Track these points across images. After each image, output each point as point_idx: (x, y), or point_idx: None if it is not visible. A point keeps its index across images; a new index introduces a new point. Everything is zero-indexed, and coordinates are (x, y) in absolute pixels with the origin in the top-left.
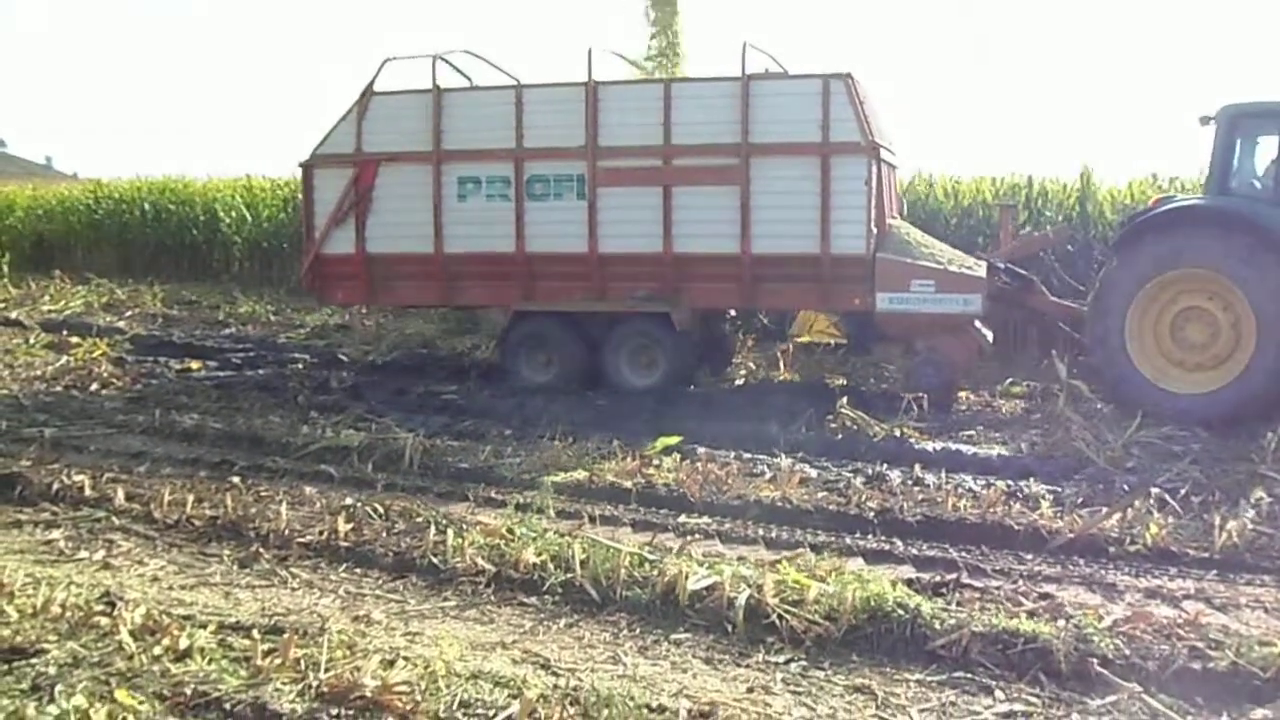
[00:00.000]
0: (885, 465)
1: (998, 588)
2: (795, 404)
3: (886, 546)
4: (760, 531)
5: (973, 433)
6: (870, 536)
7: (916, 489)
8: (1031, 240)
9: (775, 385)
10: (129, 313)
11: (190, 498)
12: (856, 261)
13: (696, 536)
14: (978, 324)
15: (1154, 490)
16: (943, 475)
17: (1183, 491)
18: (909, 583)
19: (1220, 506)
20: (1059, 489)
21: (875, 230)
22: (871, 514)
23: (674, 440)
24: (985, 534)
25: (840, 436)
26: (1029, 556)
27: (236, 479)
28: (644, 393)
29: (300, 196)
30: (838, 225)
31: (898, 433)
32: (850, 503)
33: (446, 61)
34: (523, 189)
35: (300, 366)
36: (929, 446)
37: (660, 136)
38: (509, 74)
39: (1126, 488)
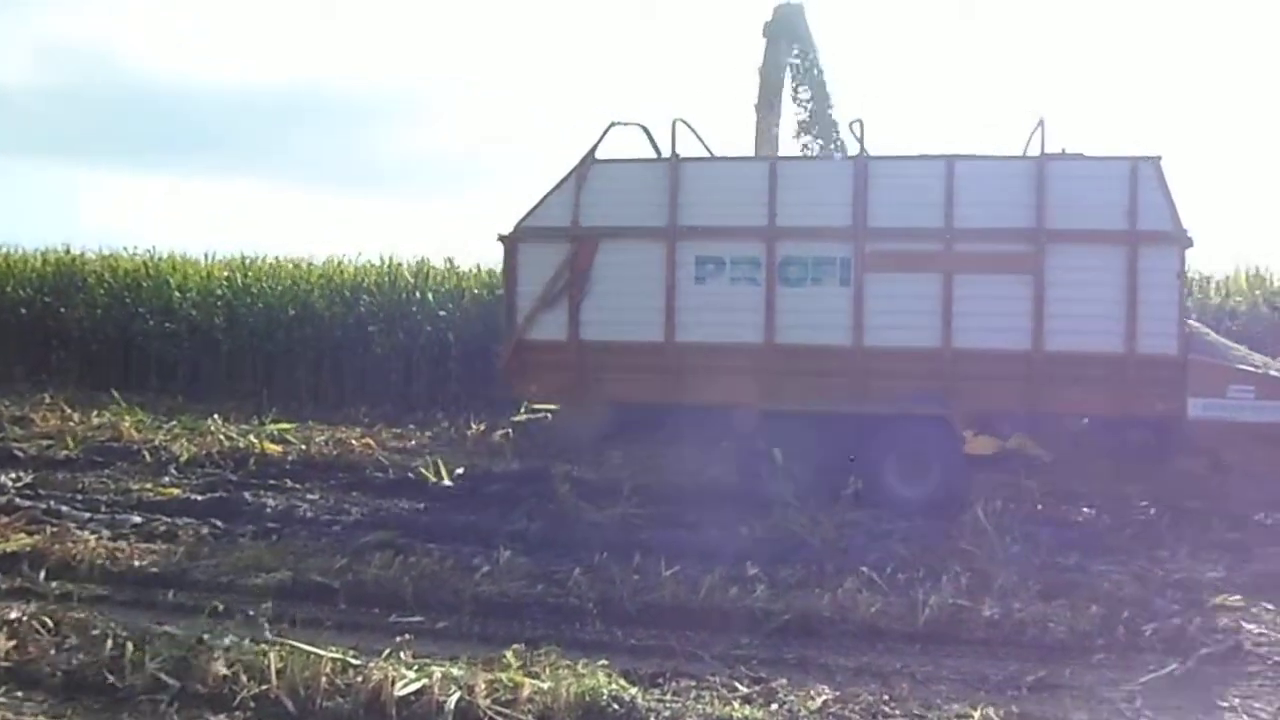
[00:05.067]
0: (606, 554)
1: (713, 674)
2: (516, 492)
3: (605, 637)
4: (476, 628)
5: (694, 518)
6: (589, 627)
7: (636, 577)
8: None
9: (496, 474)
10: None
11: None
12: (1167, 363)
13: (407, 637)
14: None
15: (864, 569)
16: (663, 562)
17: (889, 569)
18: (626, 674)
19: (924, 583)
20: (775, 571)
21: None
22: (591, 604)
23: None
24: (703, 619)
25: (562, 524)
26: (745, 640)
27: None
28: (910, 505)
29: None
30: (1146, 322)
31: (619, 520)
32: (569, 594)
33: (643, 133)
34: (775, 272)
35: None
36: (650, 533)
37: (941, 218)
38: (708, 147)
39: (838, 568)
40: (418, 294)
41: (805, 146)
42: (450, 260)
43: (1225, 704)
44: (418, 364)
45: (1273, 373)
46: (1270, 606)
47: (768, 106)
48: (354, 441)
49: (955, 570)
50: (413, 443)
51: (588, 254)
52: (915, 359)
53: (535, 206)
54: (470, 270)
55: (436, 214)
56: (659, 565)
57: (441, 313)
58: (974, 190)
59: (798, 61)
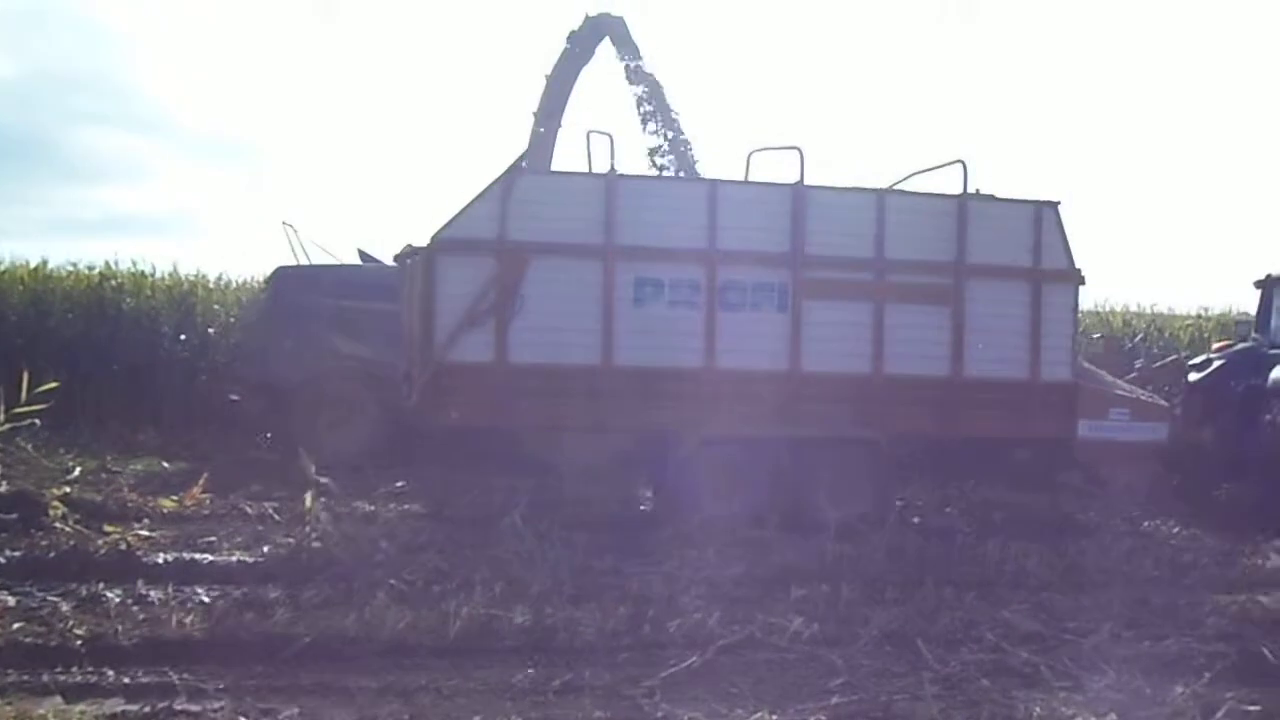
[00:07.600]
0: (105, 584)
1: (218, 709)
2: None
3: (94, 679)
4: None
5: (213, 539)
6: (75, 669)
7: (137, 608)
8: (1159, 370)
9: None
10: None
11: None
12: (1063, 389)
13: None
14: None
15: (394, 583)
16: (170, 590)
17: (422, 582)
18: (114, 719)
19: (458, 594)
20: (299, 592)
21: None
22: (79, 643)
23: None
24: (213, 650)
25: (53, 554)
26: (260, 669)
27: None
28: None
29: None
30: (1047, 351)
31: (124, 545)
32: (53, 632)
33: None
34: (715, 296)
35: None
36: (159, 558)
37: (872, 249)
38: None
39: (369, 584)
40: None
41: (661, 169)
42: None
43: (736, 690)
44: None
45: (1143, 397)
46: (782, 595)
47: (548, 115)
48: None
49: (490, 579)
50: None
51: (517, 270)
52: (848, 384)
53: (455, 216)
54: None
55: None
56: (166, 593)
57: None
58: (902, 224)
59: (642, 94)
